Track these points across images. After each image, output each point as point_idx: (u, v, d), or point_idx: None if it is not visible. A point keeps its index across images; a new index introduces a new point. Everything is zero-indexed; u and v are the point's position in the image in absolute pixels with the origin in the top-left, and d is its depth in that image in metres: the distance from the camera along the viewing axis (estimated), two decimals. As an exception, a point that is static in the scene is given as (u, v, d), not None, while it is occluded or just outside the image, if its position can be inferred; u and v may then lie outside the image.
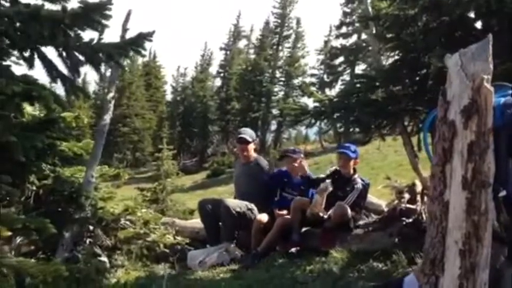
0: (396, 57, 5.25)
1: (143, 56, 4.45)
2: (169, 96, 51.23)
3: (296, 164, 5.49)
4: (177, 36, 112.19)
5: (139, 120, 43.21)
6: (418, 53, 4.74)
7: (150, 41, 3.83)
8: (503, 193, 1.51)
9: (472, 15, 4.46)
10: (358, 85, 5.61)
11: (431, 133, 1.88)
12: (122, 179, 6.51)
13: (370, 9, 5.70)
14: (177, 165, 16.48)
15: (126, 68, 40.74)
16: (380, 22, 5.24)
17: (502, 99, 1.61)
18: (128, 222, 5.46)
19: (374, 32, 5.63)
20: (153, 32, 3.78)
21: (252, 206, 5.64)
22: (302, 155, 5.76)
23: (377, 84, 5.25)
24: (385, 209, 5.58)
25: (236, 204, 5.61)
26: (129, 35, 5.04)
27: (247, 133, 6.04)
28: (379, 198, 6.48)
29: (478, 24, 4.61)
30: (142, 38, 3.81)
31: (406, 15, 4.90)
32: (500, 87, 1.71)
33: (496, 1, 3.53)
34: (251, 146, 5.95)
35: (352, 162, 5.17)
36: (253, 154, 6.01)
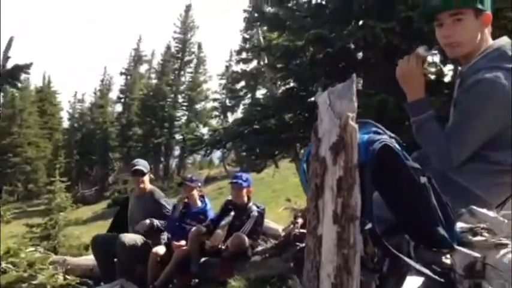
0: (287, 86, 5.44)
1: (19, 89, 4.17)
2: (66, 123, 48.86)
3: (193, 193, 5.48)
4: (74, 61, 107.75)
5: (33, 149, 40.55)
6: (306, 82, 4.96)
7: (28, 73, 3.58)
8: (368, 226, 1.59)
9: (353, 46, 4.77)
10: (252, 113, 5.73)
11: (308, 167, 1.95)
12: (3, 218, 6.01)
13: (262, 39, 5.89)
14: (73, 196, 15.61)
15: (16, 94, 38.29)
16: (271, 52, 5.43)
17: (366, 136, 1.71)
18: (9, 266, 5.03)
19: (266, 61, 5.81)
20: (31, 64, 3.53)
21: (148, 241, 5.47)
22: (200, 184, 5.72)
23: (270, 112, 5.39)
24: (282, 234, 5.68)
25: (132, 238, 5.40)
26: (13, 62, 4.71)
27: (141, 164, 5.86)
28: (280, 221, 6.59)
29: (359, 56, 4.94)
30: (19, 70, 3.55)
31: (295, 46, 5.12)
32: (364, 124, 1.81)
33: (371, 36, 3.79)
34: (147, 178, 5.78)
35: (245, 191, 5.22)
36: (149, 186, 5.83)
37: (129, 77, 45.08)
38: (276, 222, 6.37)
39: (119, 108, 45.83)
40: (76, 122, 47.70)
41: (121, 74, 45.53)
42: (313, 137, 1.89)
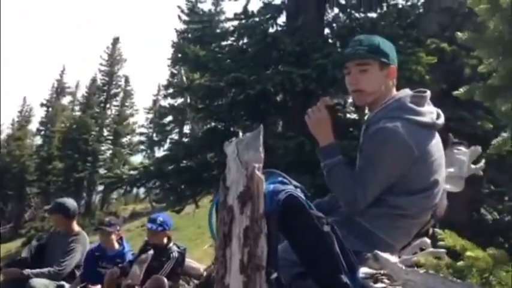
0: (208, 125, 5.48)
1: None
2: (-21, 156, 45.71)
3: (111, 237, 5.27)
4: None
5: None
6: (227, 123, 5.03)
7: None
8: (274, 275, 1.62)
9: (272, 89, 4.93)
10: (174, 152, 5.70)
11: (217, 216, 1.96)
12: None
13: (184, 79, 5.92)
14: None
15: None
16: (193, 92, 5.47)
17: (271, 186, 1.75)
18: None
19: (188, 101, 5.85)
20: None
21: (62, 283, 5.18)
22: (118, 227, 5.50)
23: (192, 151, 5.39)
24: (204, 274, 5.60)
25: (43, 283, 5.09)
26: None
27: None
28: (205, 258, 6.48)
29: (279, 98, 5.10)
30: None
31: (217, 86, 5.20)
32: (270, 174, 1.86)
33: (288, 81, 3.94)
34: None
35: (161, 234, 5.06)
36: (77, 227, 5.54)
37: (50, 109, 43.29)
38: (202, 260, 6.25)
39: (38, 141, 43.71)
40: (-10, 155, 44.86)
41: (42, 105, 43.66)
42: (221, 186, 1.92)
